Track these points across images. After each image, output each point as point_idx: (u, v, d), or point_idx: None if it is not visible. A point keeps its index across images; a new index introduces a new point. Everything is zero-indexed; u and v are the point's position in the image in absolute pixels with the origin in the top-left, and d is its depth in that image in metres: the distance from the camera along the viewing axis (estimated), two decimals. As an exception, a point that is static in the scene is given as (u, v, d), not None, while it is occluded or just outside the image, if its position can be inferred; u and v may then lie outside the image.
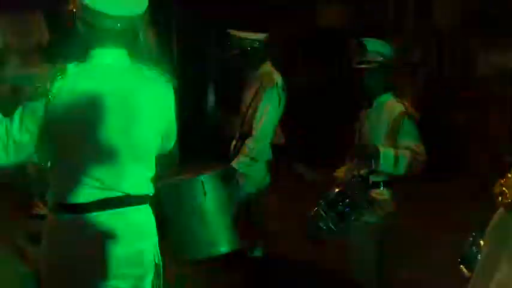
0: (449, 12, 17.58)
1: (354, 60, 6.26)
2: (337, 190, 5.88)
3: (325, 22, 18.60)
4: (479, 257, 4.57)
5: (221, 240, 6.80)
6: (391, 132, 6.06)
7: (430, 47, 17.19)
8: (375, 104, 6.22)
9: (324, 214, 5.75)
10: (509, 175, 2.30)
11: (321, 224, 5.75)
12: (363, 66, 6.17)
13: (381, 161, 5.84)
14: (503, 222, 2.26)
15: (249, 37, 7.46)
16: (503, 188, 2.26)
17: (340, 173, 6.57)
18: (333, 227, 5.77)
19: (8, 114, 4.05)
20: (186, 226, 6.78)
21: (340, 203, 5.76)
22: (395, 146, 5.98)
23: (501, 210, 2.27)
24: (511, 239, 2.20)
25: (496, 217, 2.38)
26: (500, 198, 2.26)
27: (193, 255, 6.91)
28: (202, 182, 6.74)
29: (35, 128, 3.97)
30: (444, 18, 17.59)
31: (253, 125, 7.19)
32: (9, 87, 10.25)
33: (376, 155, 5.85)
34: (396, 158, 5.86)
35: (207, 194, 6.74)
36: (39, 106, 3.94)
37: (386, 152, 5.86)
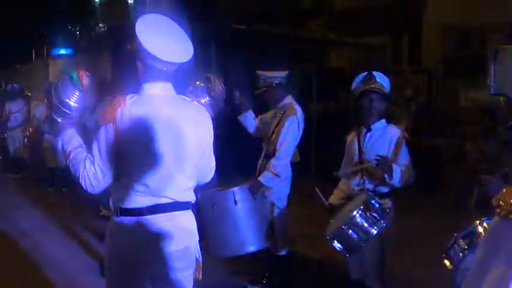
0: (436, 58, 17.62)
1: (359, 87, 6.17)
2: (362, 205, 5.69)
3: (335, 63, 18.66)
4: (460, 254, 4.53)
5: (250, 241, 6.77)
6: (394, 153, 5.98)
7: (421, 84, 17.20)
8: (372, 128, 6.13)
9: (361, 224, 5.57)
10: (504, 190, 2.26)
11: (354, 236, 5.57)
12: (371, 90, 6.07)
13: (393, 174, 5.76)
14: (499, 229, 2.22)
15: (273, 75, 7.44)
16: (500, 202, 2.22)
17: (340, 191, 6.46)
18: (369, 234, 5.60)
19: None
20: (221, 229, 6.76)
21: (371, 213, 5.61)
22: (396, 164, 5.91)
23: (497, 218, 2.23)
24: (505, 243, 2.17)
25: (493, 224, 2.34)
26: (498, 210, 2.23)
27: (226, 252, 6.89)
28: (233, 193, 6.75)
29: (109, 150, 4.00)
30: (432, 63, 17.62)
31: (277, 147, 7.17)
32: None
33: (390, 170, 5.76)
34: (402, 174, 5.79)
35: (238, 203, 6.72)
36: (107, 131, 3.97)
37: (396, 168, 5.78)
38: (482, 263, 2.27)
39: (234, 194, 6.72)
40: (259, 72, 7.48)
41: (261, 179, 7.06)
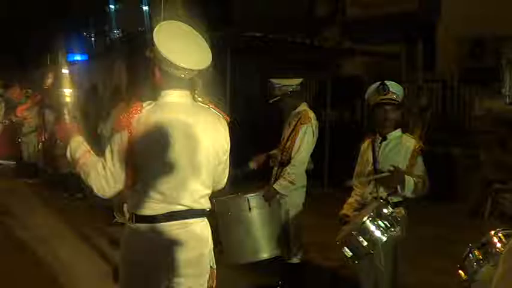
0: (450, 66, 17.60)
1: (374, 98, 6.15)
2: (373, 211, 5.67)
3: (350, 71, 18.65)
4: (475, 264, 4.51)
5: (263, 248, 6.78)
6: (409, 163, 5.95)
7: (435, 93, 17.15)
8: (388, 137, 6.11)
9: (371, 230, 5.56)
10: None
11: (364, 242, 5.56)
12: (385, 102, 6.05)
13: (406, 186, 5.74)
14: None
15: (287, 83, 7.44)
16: None
17: (354, 201, 6.44)
18: (378, 241, 5.59)
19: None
20: (235, 236, 6.78)
21: (381, 220, 5.60)
22: (411, 175, 5.89)
23: None
24: None
25: None
26: None
27: (240, 259, 6.89)
28: (248, 200, 6.76)
29: (123, 156, 4.01)
30: (446, 71, 17.59)
31: (292, 155, 7.17)
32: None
33: (403, 181, 5.75)
34: (415, 185, 5.77)
35: (252, 210, 6.74)
36: (122, 137, 3.99)
37: (410, 180, 5.77)
38: (504, 283, 2.21)
39: (248, 201, 6.74)
40: (273, 80, 7.48)
41: (276, 186, 7.07)
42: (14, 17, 24.80)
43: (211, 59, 4.16)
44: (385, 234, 5.48)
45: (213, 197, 4.42)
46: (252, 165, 7.86)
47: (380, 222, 5.50)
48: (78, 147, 4.13)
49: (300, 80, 7.52)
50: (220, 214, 6.63)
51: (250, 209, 6.72)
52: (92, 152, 4.14)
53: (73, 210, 12.55)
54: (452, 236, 9.88)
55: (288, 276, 7.48)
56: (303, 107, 7.45)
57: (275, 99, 7.48)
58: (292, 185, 7.12)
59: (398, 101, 6.07)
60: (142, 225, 4.07)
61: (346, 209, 6.32)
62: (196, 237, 4.16)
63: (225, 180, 4.55)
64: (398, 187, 5.75)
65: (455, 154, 15.04)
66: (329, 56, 17.62)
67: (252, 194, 6.80)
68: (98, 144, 4.20)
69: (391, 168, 5.78)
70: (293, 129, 7.30)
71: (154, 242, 4.05)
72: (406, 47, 19.43)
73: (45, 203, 13.34)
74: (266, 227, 6.79)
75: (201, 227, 4.22)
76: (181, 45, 4.08)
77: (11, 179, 17.18)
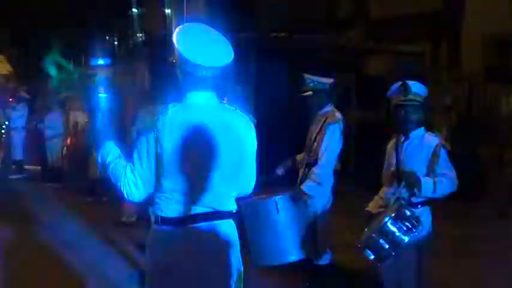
0: (475, 65, 17.50)
1: (396, 98, 6.10)
2: (394, 213, 5.63)
3: (374, 71, 18.58)
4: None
5: (291, 250, 6.73)
6: (431, 161, 5.90)
7: (461, 92, 17.05)
8: (411, 136, 6.06)
9: (393, 232, 5.53)
10: None
11: (385, 245, 5.52)
12: (407, 103, 6.01)
13: (422, 188, 5.69)
14: None
15: (320, 80, 7.42)
16: None
17: (380, 199, 6.39)
18: (400, 243, 5.56)
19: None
20: (262, 238, 6.73)
21: (403, 222, 5.55)
22: (434, 173, 5.83)
23: None
24: None
25: None
26: None
27: (268, 262, 6.84)
28: (275, 202, 6.70)
29: (150, 158, 4.02)
30: (471, 69, 17.49)
31: (319, 155, 7.14)
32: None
33: (419, 184, 5.70)
34: (434, 185, 5.72)
35: (280, 212, 6.69)
36: (148, 139, 3.99)
37: (426, 181, 5.71)
38: None
39: (276, 203, 6.69)
40: (306, 75, 7.46)
41: (303, 187, 7.03)
42: (37, 22, 24.93)
43: (233, 55, 4.15)
44: (407, 236, 5.44)
45: (239, 199, 4.40)
46: (279, 171, 7.80)
47: (401, 223, 5.46)
48: (110, 151, 4.14)
49: (332, 80, 7.49)
50: (247, 216, 6.58)
51: (278, 211, 6.67)
52: (121, 156, 4.16)
53: (99, 213, 12.55)
54: (479, 236, 9.80)
55: (316, 278, 7.44)
56: (330, 106, 7.42)
57: (305, 94, 7.44)
58: (319, 185, 7.08)
59: (420, 101, 6.03)
60: (168, 228, 4.08)
61: (371, 207, 6.30)
62: (223, 239, 4.16)
63: (252, 185, 4.51)
64: (416, 190, 5.71)
65: (482, 153, 14.94)
66: (353, 56, 17.57)
67: (280, 196, 6.76)
68: (129, 146, 4.20)
69: (404, 174, 5.76)
70: (320, 130, 7.27)
71: (179, 244, 4.06)
72: (430, 46, 19.33)
73: (70, 207, 13.34)
74: (294, 228, 6.74)
75: (227, 229, 4.22)
76: (202, 44, 4.10)
77: (36, 183, 17.24)
